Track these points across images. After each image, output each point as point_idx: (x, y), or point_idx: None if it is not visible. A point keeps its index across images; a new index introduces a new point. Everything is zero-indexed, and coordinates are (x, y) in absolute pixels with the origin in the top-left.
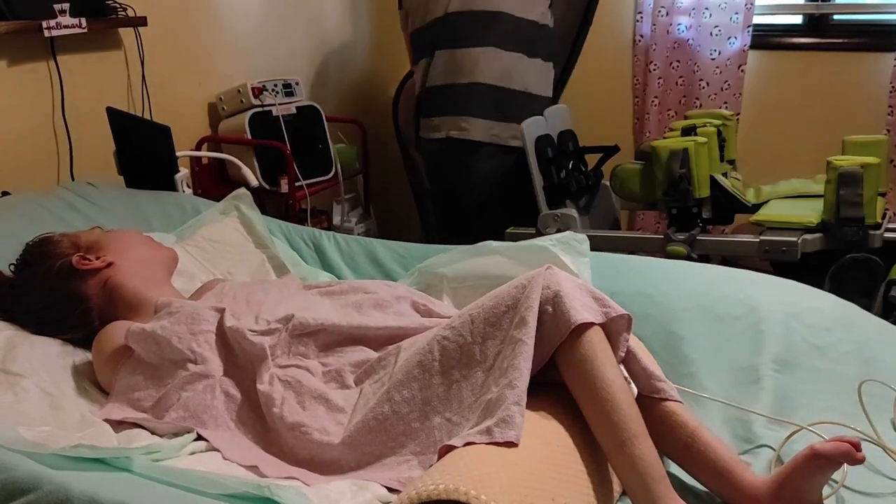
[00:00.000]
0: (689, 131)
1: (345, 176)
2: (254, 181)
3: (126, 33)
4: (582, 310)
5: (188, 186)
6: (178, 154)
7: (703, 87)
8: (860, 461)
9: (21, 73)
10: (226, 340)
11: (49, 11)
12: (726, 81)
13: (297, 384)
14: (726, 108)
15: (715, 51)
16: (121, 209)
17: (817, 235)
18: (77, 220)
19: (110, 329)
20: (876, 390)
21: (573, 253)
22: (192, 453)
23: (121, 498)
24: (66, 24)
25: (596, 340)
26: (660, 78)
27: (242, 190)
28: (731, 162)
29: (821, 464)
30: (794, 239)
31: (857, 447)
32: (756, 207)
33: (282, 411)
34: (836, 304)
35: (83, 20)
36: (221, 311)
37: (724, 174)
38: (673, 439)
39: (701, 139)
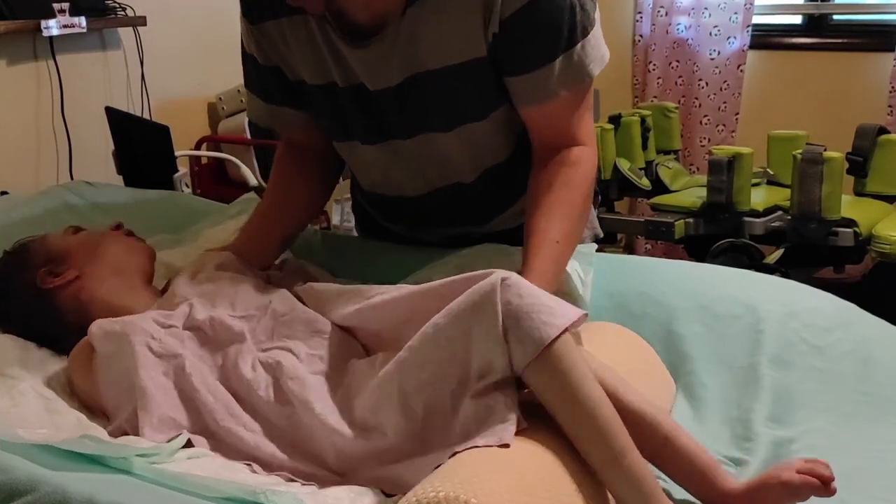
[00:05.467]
0: (614, 119)
1: (344, 175)
2: (253, 181)
3: (126, 33)
4: (551, 319)
5: (187, 186)
6: (177, 154)
7: (703, 87)
8: (831, 494)
9: (20, 72)
10: (197, 333)
11: (49, 11)
12: (725, 81)
13: (276, 366)
14: (725, 107)
15: (714, 51)
16: (119, 209)
17: (699, 219)
18: (75, 219)
19: (77, 347)
20: (875, 390)
21: (577, 256)
22: (190, 458)
23: (118, 499)
24: (65, 23)
25: (567, 351)
26: (659, 78)
27: (252, 195)
28: (672, 151)
29: (790, 491)
30: (672, 220)
31: (828, 481)
32: (654, 192)
33: (268, 395)
34: (835, 304)
35: (83, 20)
36: (190, 305)
37: (651, 161)
38: (649, 442)
39: (607, 126)
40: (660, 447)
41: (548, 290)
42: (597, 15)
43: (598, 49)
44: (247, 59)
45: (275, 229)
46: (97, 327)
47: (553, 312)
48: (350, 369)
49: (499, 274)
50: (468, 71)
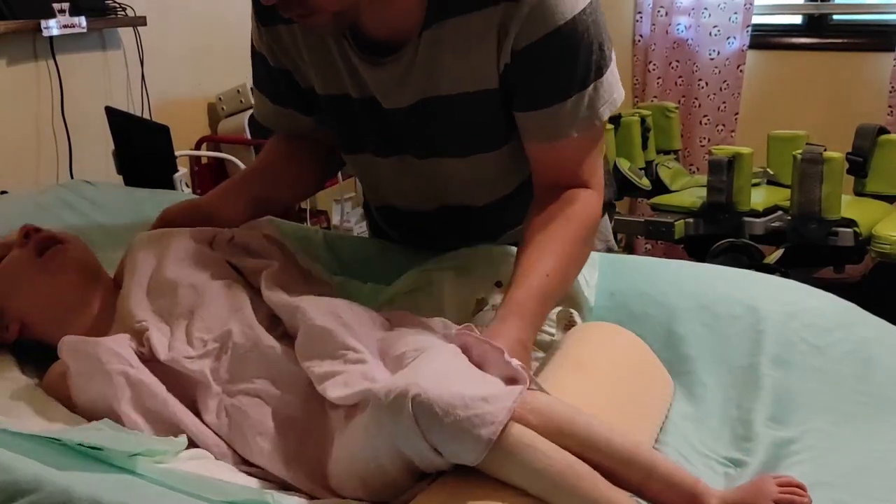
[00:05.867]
0: (614, 119)
1: (344, 176)
2: None
3: (126, 33)
4: (480, 429)
5: (187, 186)
6: (177, 154)
7: (702, 87)
8: None
9: (20, 72)
10: (160, 368)
11: (49, 11)
12: (725, 81)
13: (242, 416)
14: (725, 107)
15: (714, 51)
16: (119, 208)
17: (699, 219)
18: (75, 219)
19: (46, 378)
20: (875, 390)
21: None
22: (192, 458)
23: (123, 499)
24: (65, 23)
25: (512, 442)
26: (659, 78)
27: None
28: (672, 151)
29: None
30: (672, 220)
31: None
32: (654, 192)
33: (237, 443)
34: (836, 304)
35: (83, 20)
36: (147, 340)
37: (651, 161)
38: (631, 477)
39: (607, 126)
40: (642, 480)
41: (526, 327)
42: (613, 55)
43: (611, 92)
44: (256, 57)
45: (250, 189)
46: (67, 346)
47: (475, 421)
48: (324, 415)
49: (407, 396)
50: (481, 100)
